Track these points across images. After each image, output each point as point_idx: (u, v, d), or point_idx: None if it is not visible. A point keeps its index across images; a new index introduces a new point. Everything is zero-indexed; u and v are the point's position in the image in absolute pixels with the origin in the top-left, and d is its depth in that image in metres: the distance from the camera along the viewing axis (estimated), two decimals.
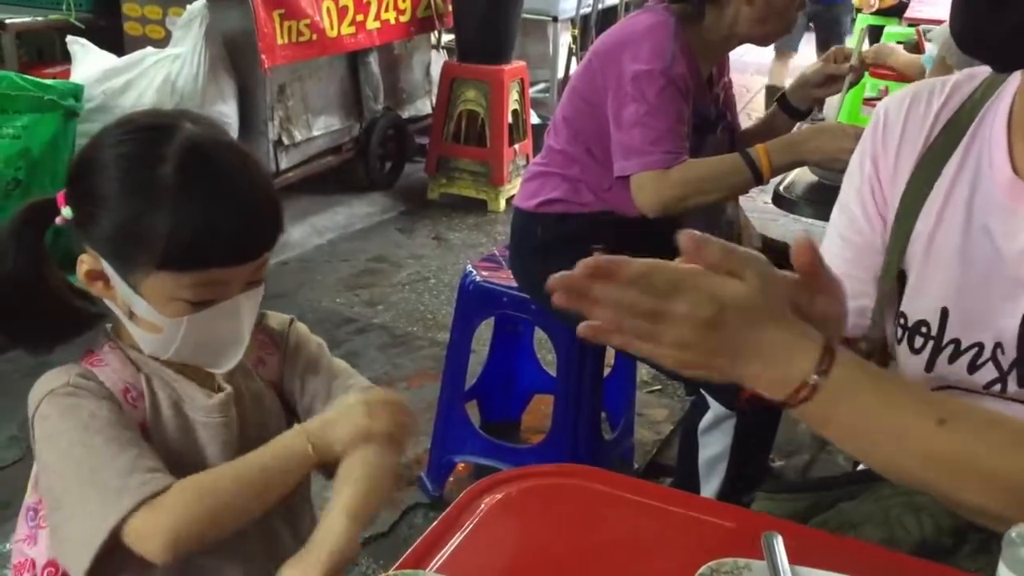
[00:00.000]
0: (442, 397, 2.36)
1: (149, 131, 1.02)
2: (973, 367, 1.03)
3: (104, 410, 1.02)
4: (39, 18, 3.83)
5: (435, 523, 0.89)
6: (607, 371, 2.39)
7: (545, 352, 2.76)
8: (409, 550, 0.87)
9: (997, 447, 0.82)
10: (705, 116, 2.02)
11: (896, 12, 5.43)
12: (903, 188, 1.08)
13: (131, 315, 1.04)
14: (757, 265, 0.80)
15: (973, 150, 1.05)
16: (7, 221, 1.06)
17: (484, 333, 2.58)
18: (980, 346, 1.03)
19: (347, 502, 0.99)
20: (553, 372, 2.37)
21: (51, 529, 1.04)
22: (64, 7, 3.81)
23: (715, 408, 1.94)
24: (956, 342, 1.05)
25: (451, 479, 2.41)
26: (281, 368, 1.18)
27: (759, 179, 1.88)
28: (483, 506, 0.92)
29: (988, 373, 1.03)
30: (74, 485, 1.00)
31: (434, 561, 0.85)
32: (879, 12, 5.57)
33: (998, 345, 1.01)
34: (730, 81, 2.18)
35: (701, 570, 0.70)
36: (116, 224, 0.99)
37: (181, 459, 1.07)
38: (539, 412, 2.64)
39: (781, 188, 2.14)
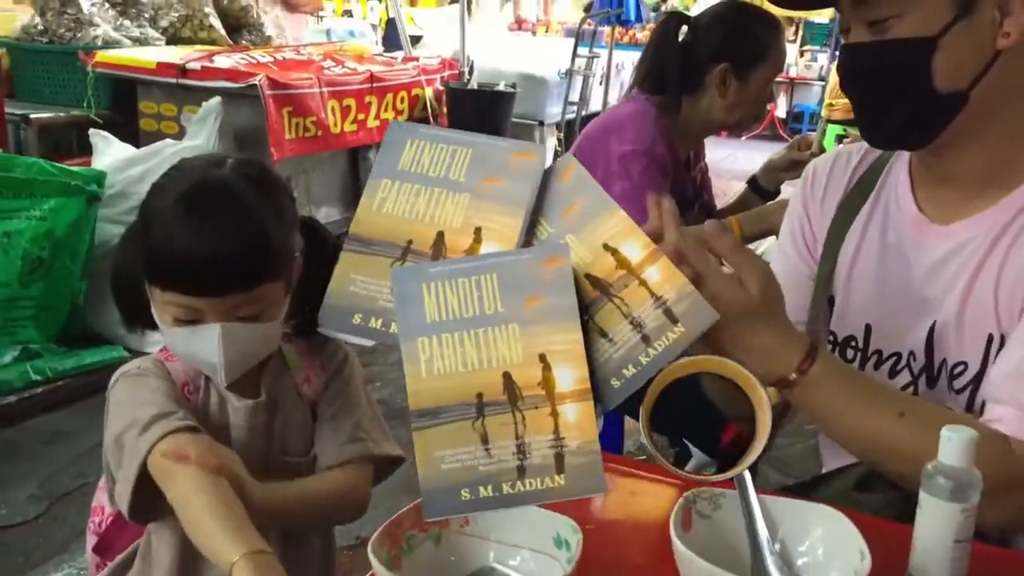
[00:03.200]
0: None
1: (180, 169, 1.16)
2: (893, 373, 1.22)
3: (165, 386, 1.17)
4: (61, 114, 4.09)
5: None
6: None
7: None
8: None
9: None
10: (684, 194, 2.24)
11: None
12: (827, 228, 1.30)
13: None
14: (759, 270, 0.95)
15: (882, 196, 1.27)
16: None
17: None
18: (898, 355, 1.22)
19: None
20: None
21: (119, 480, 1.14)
22: (85, 104, 4.08)
23: (697, 456, 2.11)
24: (879, 353, 1.24)
25: None
26: (321, 392, 1.27)
27: None
28: None
29: (904, 378, 1.21)
30: (125, 436, 1.12)
31: None
32: (845, 122, 6.04)
33: (911, 354, 1.20)
34: (706, 166, 2.41)
35: (686, 494, 0.86)
36: (143, 243, 1.13)
37: None
38: None
39: None
